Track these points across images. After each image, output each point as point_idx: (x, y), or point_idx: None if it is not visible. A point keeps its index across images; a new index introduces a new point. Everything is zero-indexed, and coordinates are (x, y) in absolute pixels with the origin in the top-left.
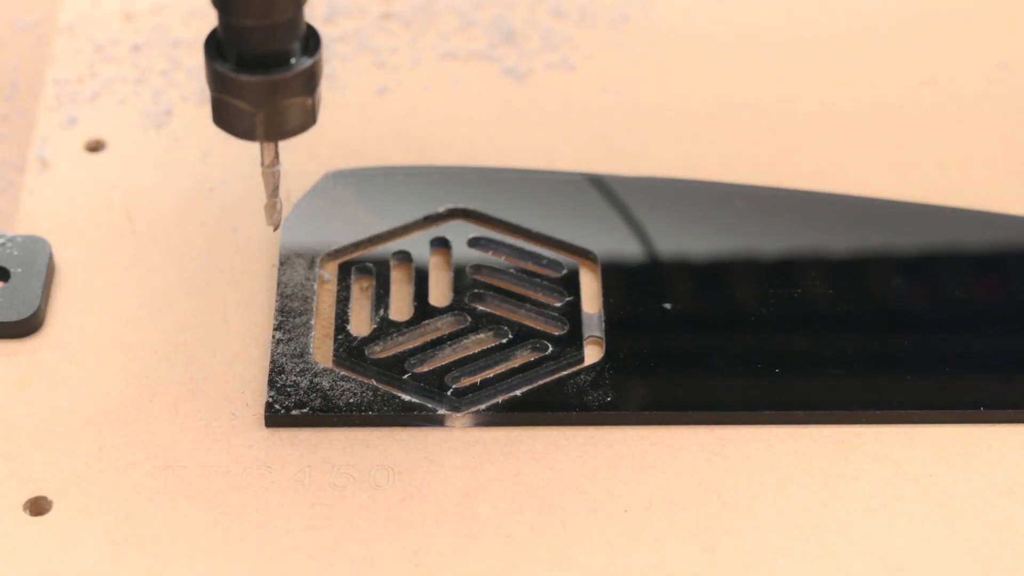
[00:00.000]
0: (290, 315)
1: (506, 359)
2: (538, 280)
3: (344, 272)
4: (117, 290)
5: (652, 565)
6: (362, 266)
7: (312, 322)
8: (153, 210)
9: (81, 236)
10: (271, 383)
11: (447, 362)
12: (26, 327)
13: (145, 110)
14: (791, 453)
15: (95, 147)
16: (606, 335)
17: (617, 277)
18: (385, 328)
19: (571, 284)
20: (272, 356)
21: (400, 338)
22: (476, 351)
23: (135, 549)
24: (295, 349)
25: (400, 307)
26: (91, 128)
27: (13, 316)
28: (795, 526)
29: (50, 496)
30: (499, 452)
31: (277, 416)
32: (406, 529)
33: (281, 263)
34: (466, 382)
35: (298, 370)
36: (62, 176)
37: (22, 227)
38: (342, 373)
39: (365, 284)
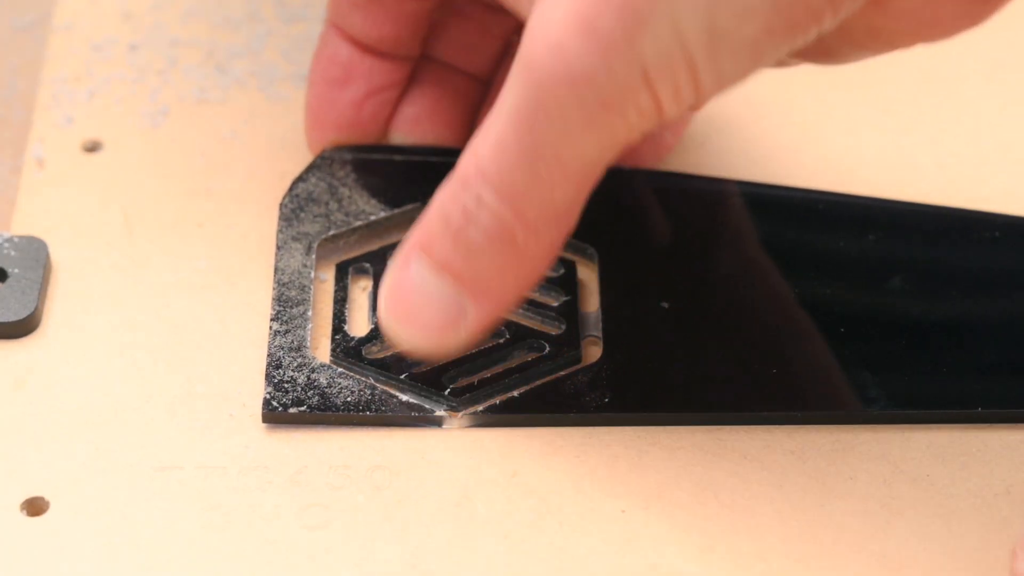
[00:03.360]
0: (287, 305)
1: (503, 359)
2: None
3: (341, 272)
4: (114, 290)
5: (649, 565)
6: (359, 266)
7: (309, 313)
8: (150, 210)
9: (78, 236)
10: (268, 378)
11: (444, 362)
12: (23, 327)
13: (142, 110)
14: (788, 453)
15: (92, 147)
16: (603, 333)
17: (615, 273)
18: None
19: (568, 284)
20: (269, 349)
21: None
22: (473, 351)
23: (132, 549)
24: (292, 342)
25: None
26: (88, 128)
27: (10, 316)
28: (792, 526)
29: (47, 496)
30: (496, 453)
31: (275, 413)
32: (404, 530)
33: (278, 248)
34: (463, 382)
35: (295, 365)
36: (59, 176)
37: (19, 227)
38: (340, 370)
39: (363, 284)
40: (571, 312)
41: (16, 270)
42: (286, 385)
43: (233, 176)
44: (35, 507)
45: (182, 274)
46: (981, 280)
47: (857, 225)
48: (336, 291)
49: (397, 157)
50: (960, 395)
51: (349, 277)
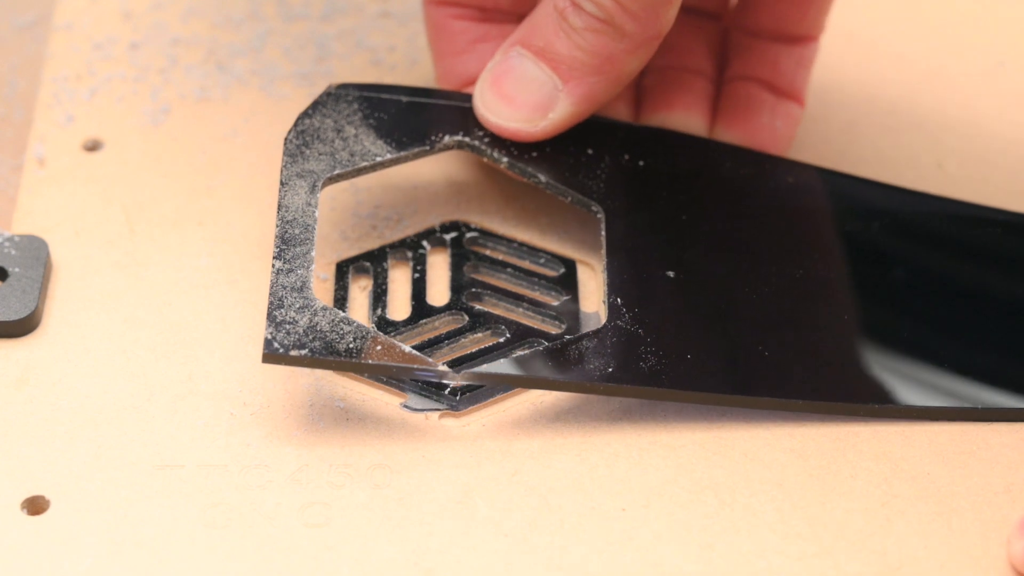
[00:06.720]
0: (290, 244)
1: (503, 358)
2: (536, 279)
3: (341, 272)
4: (115, 289)
5: (650, 563)
6: (359, 266)
7: (312, 254)
8: (151, 209)
9: (79, 235)
10: (270, 317)
11: (445, 361)
12: (24, 326)
13: (143, 108)
14: (788, 451)
15: (93, 146)
16: (608, 297)
17: (621, 237)
18: (383, 327)
19: (569, 283)
20: (272, 288)
21: (398, 337)
22: (474, 350)
23: (133, 548)
24: (295, 282)
25: (398, 306)
26: (89, 127)
27: (11, 315)
28: (792, 524)
29: (48, 495)
30: (497, 451)
31: (276, 355)
32: (404, 528)
33: (282, 184)
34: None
35: (297, 306)
36: (60, 175)
37: (20, 226)
38: (342, 314)
39: (362, 283)
40: (571, 312)
41: (17, 269)
42: (287, 326)
43: (234, 174)
44: (36, 506)
45: (183, 272)
46: (982, 277)
47: (863, 210)
48: (336, 290)
49: (403, 98)
50: (960, 391)
51: (349, 276)
